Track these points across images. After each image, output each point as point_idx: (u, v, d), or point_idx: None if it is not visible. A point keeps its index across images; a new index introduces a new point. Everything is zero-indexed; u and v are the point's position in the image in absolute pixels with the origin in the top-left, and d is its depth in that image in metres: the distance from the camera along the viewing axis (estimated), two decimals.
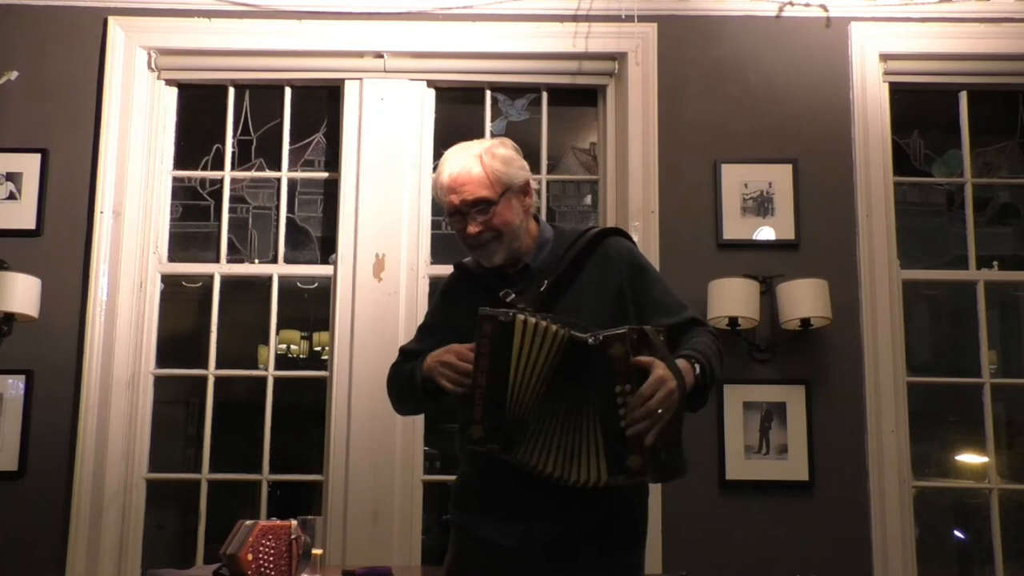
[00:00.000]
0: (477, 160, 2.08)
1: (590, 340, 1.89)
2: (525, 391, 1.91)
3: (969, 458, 4.03)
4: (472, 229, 2.07)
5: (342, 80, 4.05)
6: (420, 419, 3.82)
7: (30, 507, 3.65)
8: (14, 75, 3.94)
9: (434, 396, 2.09)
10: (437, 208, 4.05)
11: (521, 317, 1.92)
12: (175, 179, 4.10)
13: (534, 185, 2.18)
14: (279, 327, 4.02)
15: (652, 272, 2.15)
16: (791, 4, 4.00)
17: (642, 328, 1.92)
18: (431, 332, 2.22)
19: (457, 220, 2.10)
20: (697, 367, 1.94)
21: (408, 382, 2.14)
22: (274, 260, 4.04)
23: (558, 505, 1.98)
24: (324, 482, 3.79)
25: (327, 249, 4.03)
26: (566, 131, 4.18)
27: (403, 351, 2.29)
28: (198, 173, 4.13)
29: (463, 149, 2.13)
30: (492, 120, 4.12)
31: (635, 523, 2.09)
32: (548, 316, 1.95)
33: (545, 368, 1.91)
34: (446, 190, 2.09)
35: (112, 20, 3.96)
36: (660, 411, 1.83)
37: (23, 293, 3.63)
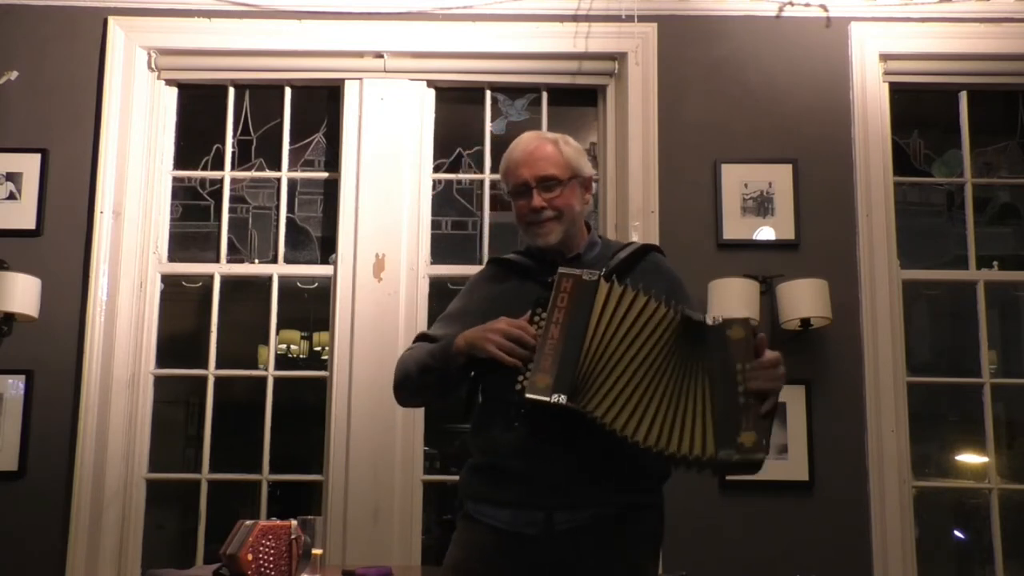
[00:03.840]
0: (553, 142, 2.20)
1: (709, 321, 1.93)
2: (603, 353, 1.90)
3: (969, 458, 4.04)
4: (537, 202, 2.13)
5: (342, 80, 4.05)
6: (420, 419, 3.82)
7: (30, 507, 3.65)
8: (14, 75, 3.94)
9: (464, 373, 2.06)
10: (437, 208, 4.06)
11: (606, 281, 1.95)
12: (175, 179, 4.10)
13: (592, 190, 2.26)
14: (279, 327, 4.02)
15: (689, 294, 2.23)
16: (791, 4, 4.00)
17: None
18: (461, 317, 2.17)
19: (522, 196, 2.16)
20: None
21: (437, 357, 2.07)
22: (274, 260, 4.04)
23: (579, 494, 2.00)
24: (324, 482, 3.79)
25: (327, 249, 4.03)
26: (566, 131, 4.12)
27: (424, 336, 2.23)
28: (198, 173, 4.13)
29: (537, 134, 2.25)
30: (492, 120, 4.12)
31: (654, 518, 2.10)
32: (630, 284, 1.96)
33: (632, 333, 1.91)
34: (518, 164, 2.17)
35: (112, 20, 3.96)
36: (779, 384, 1.89)
37: (23, 293, 3.63)
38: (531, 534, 2.00)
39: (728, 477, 3.64)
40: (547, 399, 1.85)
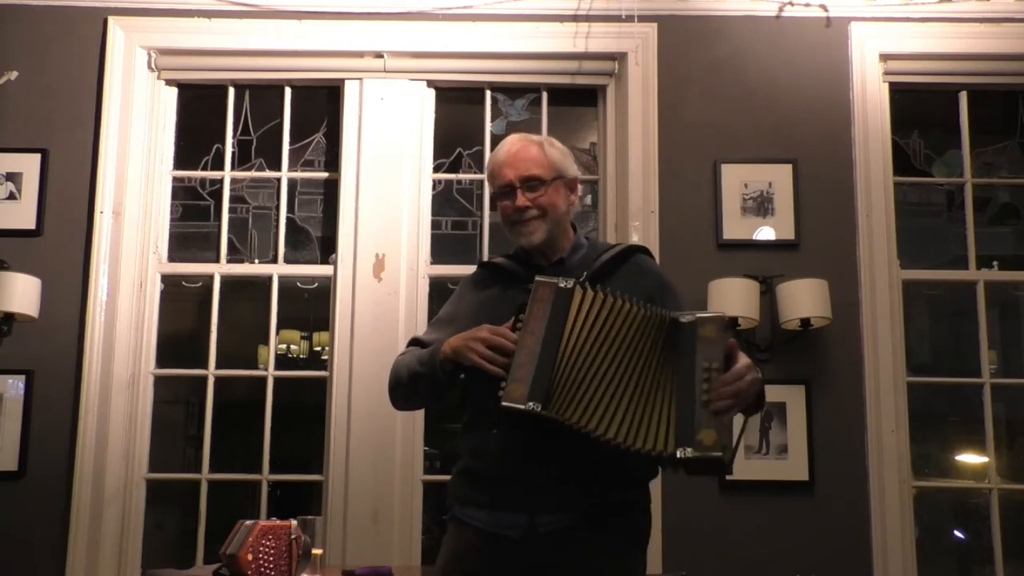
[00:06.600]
0: (537, 144, 2.23)
1: (683, 319, 1.94)
2: (576, 359, 1.92)
3: (969, 458, 4.04)
4: (520, 202, 2.16)
5: (342, 80, 4.05)
6: (420, 419, 3.82)
7: (30, 507, 3.65)
8: (14, 75, 3.94)
9: (453, 379, 2.08)
10: (437, 208, 4.06)
11: (581, 288, 1.97)
12: (175, 179, 4.10)
13: (579, 192, 2.28)
14: (279, 327, 4.02)
15: (678, 292, 2.23)
16: (791, 4, 4.00)
17: (732, 318, 1.95)
18: (450, 322, 2.22)
19: (506, 196, 2.19)
20: (760, 373, 1.99)
21: (426, 364, 2.11)
22: (274, 260, 4.05)
23: (562, 497, 2.01)
24: (324, 482, 3.79)
25: (327, 249, 4.03)
26: (566, 131, 4.17)
27: (416, 341, 2.28)
28: (198, 173, 4.13)
29: (523, 136, 2.28)
30: (492, 120, 4.12)
31: (639, 518, 2.12)
32: (607, 289, 1.98)
33: (606, 338, 1.93)
34: (502, 165, 2.20)
35: (112, 20, 3.96)
36: (744, 395, 1.89)
37: (23, 293, 3.64)
38: (514, 537, 2.02)
39: (728, 478, 3.65)
40: (521, 407, 1.89)
